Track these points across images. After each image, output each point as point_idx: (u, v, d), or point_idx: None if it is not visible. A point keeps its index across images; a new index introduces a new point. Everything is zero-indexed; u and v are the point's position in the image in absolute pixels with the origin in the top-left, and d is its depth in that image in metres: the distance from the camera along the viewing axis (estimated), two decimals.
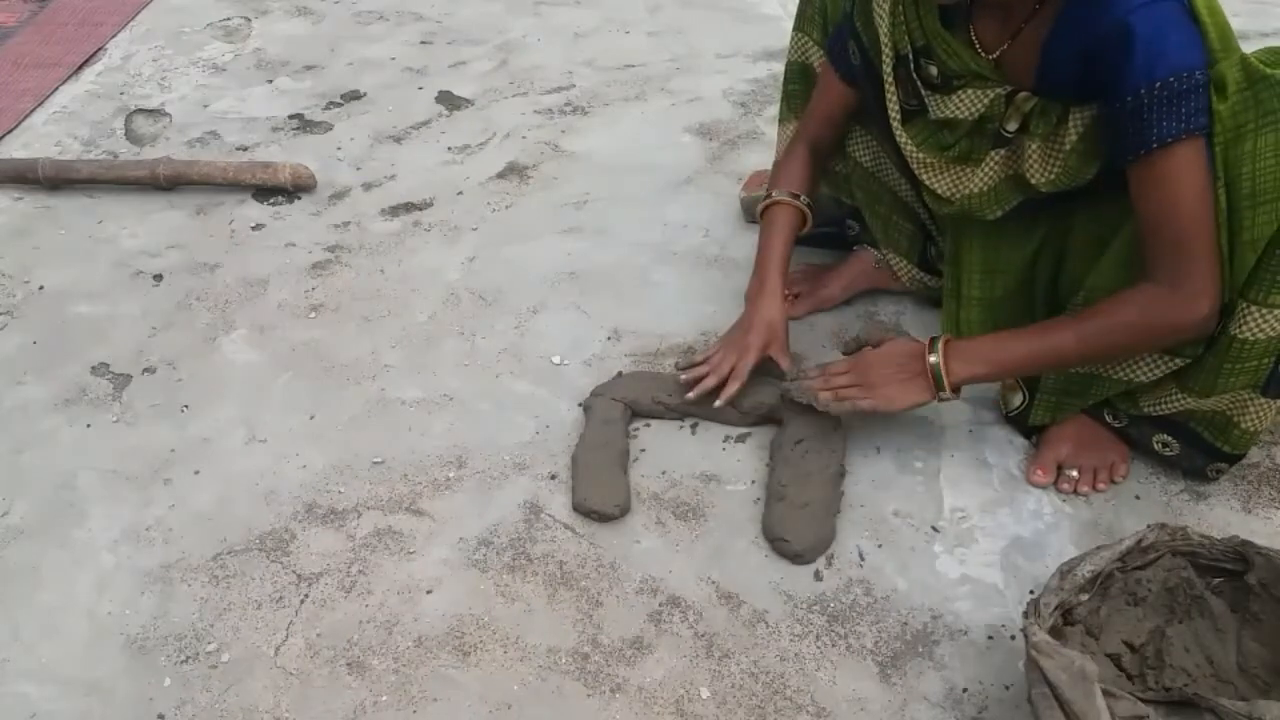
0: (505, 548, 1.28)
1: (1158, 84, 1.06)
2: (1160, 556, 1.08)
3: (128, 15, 2.62)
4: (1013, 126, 1.23)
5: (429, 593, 1.23)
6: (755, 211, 1.79)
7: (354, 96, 2.28)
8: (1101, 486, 1.32)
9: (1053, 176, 1.22)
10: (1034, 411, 1.36)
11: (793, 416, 1.38)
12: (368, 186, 1.98)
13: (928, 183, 1.34)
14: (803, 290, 1.63)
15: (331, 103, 2.25)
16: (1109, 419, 1.33)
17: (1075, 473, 1.32)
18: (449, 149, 2.09)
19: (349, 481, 1.38)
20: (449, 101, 2.25)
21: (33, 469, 1.41)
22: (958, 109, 1.26)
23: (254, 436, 1.45)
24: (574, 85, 2.30)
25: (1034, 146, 1.22)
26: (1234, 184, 1.09)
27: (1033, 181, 1.24)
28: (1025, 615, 0.99)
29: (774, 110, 2.13)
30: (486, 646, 1.17)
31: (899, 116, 1.31)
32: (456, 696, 1.12)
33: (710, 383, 1.39)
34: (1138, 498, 1.32)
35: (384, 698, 1.12)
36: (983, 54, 1.23)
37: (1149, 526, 1.07)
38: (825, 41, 1.49)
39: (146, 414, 1.49)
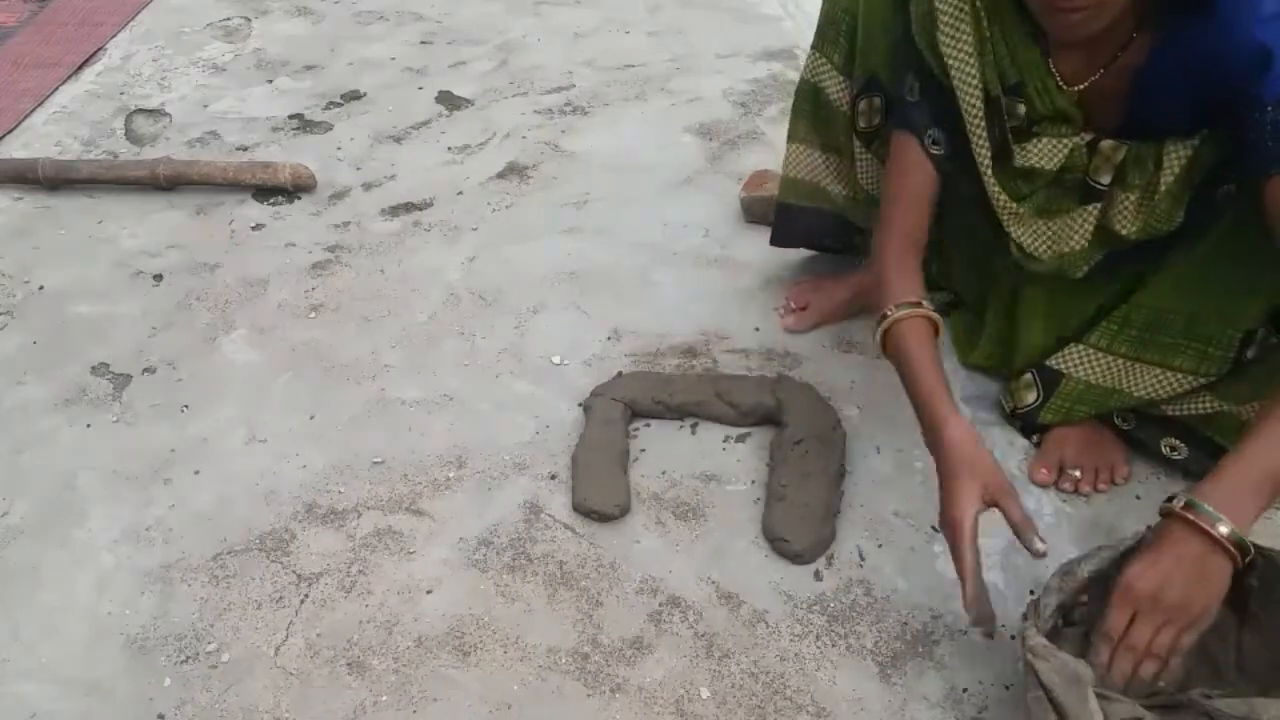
0: (505, 548, 1.28)
1: None
2: None
3: (128, 15, 2.62)
4: (1106, 179, 1.16)
5: (429, 593, 1.23)
6: (753, 211, 1.80)
7: (354, 96, 2.28)
8: (1102, 487, 1.32)
9: (1141, 224, 1.16)
10: (1044, 412, 1.35)
11: (793, 416, 1.38)
12: (368, 186, 1.98)
13: (1022, 239, 1.22)
14: (809, 302, 1.59)
15: (331, 103, 2.25)
16: (1118, 421, 1.33)
17: (1078, 473, 1.32)
18: (449, 149, 2.09)
19: (349, 481, 1.38)
20: (449, 101, 2.25)
21: (33, 469, 1.41)
22: (1039, 158, 1.17)
23: (254, 436, 1.45)
24: (574, 85, 2.30)
25: (1130, 199, 1.15)
26: None
27: (1122, 232, 1.17)
28: (1024, 617, 0.99)
29: (774, 110, 2.14)
30: (486, 646, 1.17)
31: (990, 165, 1.18)
32: (456, 696, 1.13)
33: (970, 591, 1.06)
34: (1138, 498, 1.32)
35: (384, 698, 1.13)
36: (1066, 88, 1.15)
37: (1149, 527, 1.07)
38: (844, 66, 1.39)
39: (146, 414, 1.49)
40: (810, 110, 1.49)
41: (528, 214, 1.89)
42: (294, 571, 1.26)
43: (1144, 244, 1.19)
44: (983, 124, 1.16)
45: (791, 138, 1.53)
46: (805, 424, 1.36)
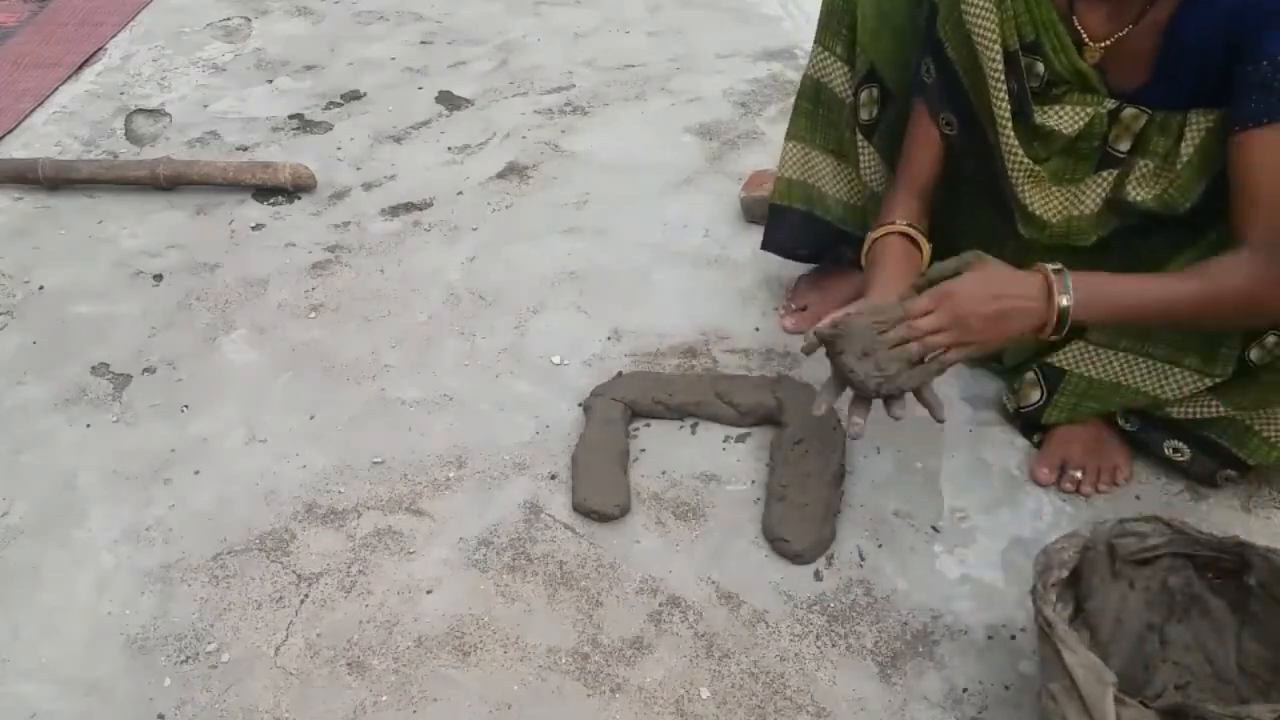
0: (505, 548, 1.28)
1: None
2: (1160, 556, 1.08)
3: (128, 15, 2.62)
4: (1124, 146, 1.17)
5: (429, 593, 1.23)
6: (753, 211, 1.80)
7: (354, 96, 2.28)
8: (1103, 488, 1.32)
9: (1158, 193, 1.16)
10: (1049, 410, 1.35)
11: (793, 416, 1.38)
12: (368, 186, 1.98)
13: (1032, 203, 1.21)
14: (810, 302, 1.59)
15: (331, 103, 2.25)
16: (1121, 422, 1.33)
17: (1079, 473, 1.32)
18: (449, 149, 2.09)
19: (349, 481, 1.38)
20: (449, 101, 2.25)
21: (33, 469, 1.41)
22: (1059, 121, 1.18)
23: (254, 436, 1.45)
24: (574, 85, 2.30)
25: (1148, 165, 1.16)
26: None
27: (1135, 199, 1.17)
28: (1032, 596, 0.99)
29: (774, 110, 2.14)
30: (486, 646, 1.17)
31: (1009, 120, 1.18)
32: (456, 696, 1.13)
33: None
34: (1138, 498, 1.32)
35: (384, 698, 1.13)
36: (1091, 43, 1.14)
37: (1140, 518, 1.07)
38: (847, 55, 1.39)
39: (146, 414, 1.49)
40: (811, 108, 1.48)
41: (528, 214, 1.89)
42: (294, 571, 1.26)
43: (1157, 222, 1.18)
44: (1002, 77, 1.16)
45: (790, 136, 1.52)
46: (805, 424, 1.36)
